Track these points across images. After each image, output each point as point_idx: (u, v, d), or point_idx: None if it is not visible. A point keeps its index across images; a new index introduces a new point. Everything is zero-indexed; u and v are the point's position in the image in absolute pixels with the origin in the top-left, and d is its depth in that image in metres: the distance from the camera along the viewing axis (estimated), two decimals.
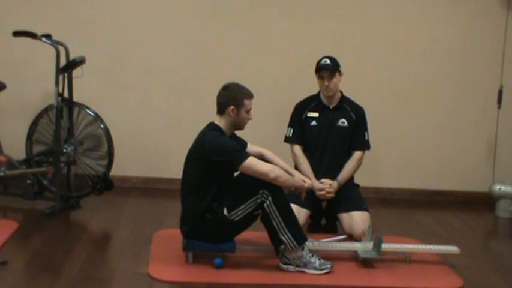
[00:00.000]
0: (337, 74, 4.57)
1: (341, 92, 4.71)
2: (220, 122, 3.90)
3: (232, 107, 3.85)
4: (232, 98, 3.86)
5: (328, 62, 4.57)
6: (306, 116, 4.70)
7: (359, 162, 4.67)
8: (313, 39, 5.50)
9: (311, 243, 3.99)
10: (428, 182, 5.81)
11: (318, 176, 4.58)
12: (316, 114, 4.69)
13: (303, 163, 4.62)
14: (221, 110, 3.89)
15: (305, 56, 5.23)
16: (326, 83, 4.56)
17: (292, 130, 4.73)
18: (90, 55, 4.95)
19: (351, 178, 4.72)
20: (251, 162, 3.75)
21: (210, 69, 5.48)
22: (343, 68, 4.64)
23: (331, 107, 4.69)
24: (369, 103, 5.00)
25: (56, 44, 4.82)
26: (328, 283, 3.76)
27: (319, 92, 4.72)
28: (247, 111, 3.90)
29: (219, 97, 3.91)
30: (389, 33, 5.60)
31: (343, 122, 4.67)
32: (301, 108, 4.73)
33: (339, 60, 4.62)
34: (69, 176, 5.02)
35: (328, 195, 4.52)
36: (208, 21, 5.49)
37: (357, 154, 4.67)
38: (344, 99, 4.72)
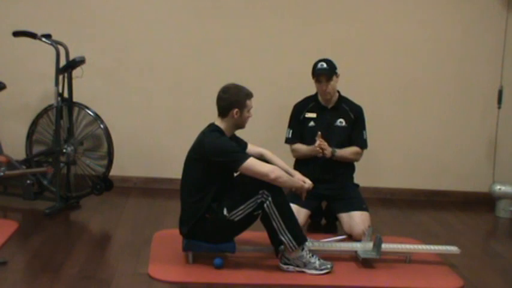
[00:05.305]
0: (334, 77, 4.56)
1: (339, 92, 4.70)
2: (222, 123, 3.89)
3: (236, 109, 3.84)
4: (235, 101, 3.85)
5: (325, 66, 4.54)
6: (304, 117, 4.69)
7: (357, 155, 4.67)
8: (313, 40, 5.50)
9: (311, 243, 3.99)
10: (428, 182, 5.81)
11: (317, 176, 4.57)
12: (314, 115, 4.68)
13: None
14: (223, 113, 3.87)
15: (305, 57, 5.21)
16: (324, 87, 4.55)
17: (291, 131, 4.73)
18: (90, 55, 4.95)
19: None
20: (251, 163, 3.75)
21: (210, 70, 5.47)
22: (343, 68, 4.63)
23: (329, 107, 4.69)
24: (368, 103, 5.00)
25: (56, 44, 4.82)
26: (328, 283, 3.76)
27: (316, 92, 4.72)
28: (249, 110, 3.91)
29: (220, 100, 3.89)
30: (389, 34, 5.59)
31: (341, 121, 4.66)
32: (299, 109, 4.73)
33: (340, 61, 4.62)
34: (69, 176, 5.02)
35: (323, 147, 4.45)
36: (208, 21, 5.49)
37: (355, 148, 4.67)
38: (342, 99, 4.71)
